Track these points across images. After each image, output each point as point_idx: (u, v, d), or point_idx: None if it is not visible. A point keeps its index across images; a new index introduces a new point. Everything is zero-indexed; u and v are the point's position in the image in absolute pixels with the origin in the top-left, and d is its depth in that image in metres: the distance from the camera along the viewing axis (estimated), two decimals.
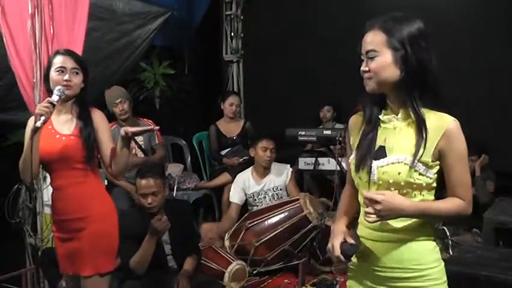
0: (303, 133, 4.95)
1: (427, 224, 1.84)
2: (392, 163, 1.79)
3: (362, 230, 1.91)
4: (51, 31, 3.52)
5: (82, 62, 2.84)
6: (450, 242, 4.37)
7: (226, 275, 3.88)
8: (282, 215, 4.30)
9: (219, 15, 6.83)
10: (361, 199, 1.89)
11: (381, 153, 1.83)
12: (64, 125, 2.79)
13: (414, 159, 1.75)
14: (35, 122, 2.55)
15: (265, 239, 4.24)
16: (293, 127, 5.04)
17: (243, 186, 4.86)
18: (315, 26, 6.20)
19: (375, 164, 1.82)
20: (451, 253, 4.25)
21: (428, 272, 1.81)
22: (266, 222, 4.30)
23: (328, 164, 5.06)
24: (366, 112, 1.89)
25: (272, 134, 4.92)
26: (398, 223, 1.80)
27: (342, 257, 1.84)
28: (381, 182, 1.80)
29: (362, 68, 1.81)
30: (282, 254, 4.27)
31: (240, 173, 4.95)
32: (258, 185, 4.84)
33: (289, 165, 4.94)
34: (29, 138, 2.61)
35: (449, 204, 1.80)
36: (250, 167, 4.94)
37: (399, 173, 1.77)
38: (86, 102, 2.86)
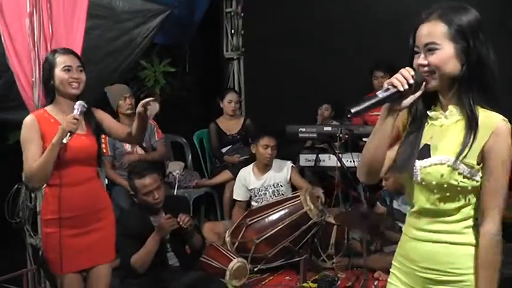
0: (304, 130, 4.95)
1: (472, 229, 1.71)
2: (435, 164, 1.69)
3: (406, 229, 1.84)
4: (50, 30, 3.48)
5: (81, 59, 2.95)
6: None
7: (227, 272, 3.88)
8: (282, 212, 4.30)
9: (220, 13, 6.81)
10: (409, 199, 1.83)
11: (426, 152, 1.73)
12: None
13: (457, 160, 1.64)
14: (62, 138, 2.65)
15: (266, 236, 4.24)
16: (293, 124, 5.04)
17: (244, 182, 4.86)
18: (314, 24, 6.18)
19: (418, 163, 1.72)
20: None
21: (467, 277, 1.70)
22: (266, 220, 4.31)
23: (329, 160, 5.07)
24: (412, 108, 1.78)
25: (273, 131, 4.92)
26: (439, 224, 1.73)
27: (411, 80, 1.65)
28: (424, 182, 1.72)
29: (420, 62, 1.68)
30: (282, 251, 4.27)
31: (242, 169, 4.96)
32: (259, 180, 4.84)
33: (289, 162, 4.93)
34: (53, 148, 2.69)
35: (485, 262, 1.68)
36: (252, 163, 4.94)
37: (442, 175, 1.67)
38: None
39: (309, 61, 6.22)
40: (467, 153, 1.64)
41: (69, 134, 2.66)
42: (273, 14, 6.52)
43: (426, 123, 1.77)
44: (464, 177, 1.66)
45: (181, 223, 3.45)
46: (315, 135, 4.99)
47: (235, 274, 3.91)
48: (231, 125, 5.72)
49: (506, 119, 1.66)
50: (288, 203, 4.34)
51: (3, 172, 3.91)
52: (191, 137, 5.85)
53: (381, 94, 1.66)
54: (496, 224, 1.67)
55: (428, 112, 1.77)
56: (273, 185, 4.81)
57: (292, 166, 4.87)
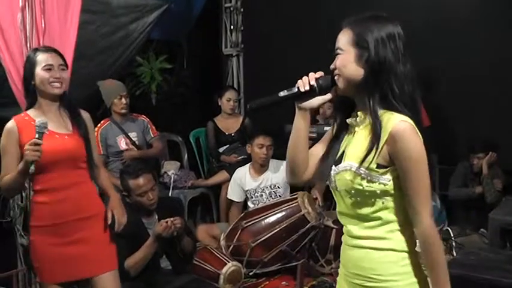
0: None
1: (394, 234, 1.74)
2: (342, 171, 1.76)
3: (343, 235, 1.89)
4: (43, 24, 3.44)
5: (64, 57, 2.85)
6: (454, 244, 4.28)
7: (221, 276, 3.80)
8: (279, 215, 4.20)
9: (219, 8, 6.73)
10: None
11: (340, 159, 1.81)
12: (58, 124, 2.75)
13: (360, 166, 1.70)
14: (27, 168, 2.53)
15: (262, 239, 4.14)
16: (292, 123, 4.94)
17: (239, 182, 4.78)
18: (315, 20, 6.10)
19: (333, 170, 1.81)
20: (454, 255, 4.16)
21: (388, 284, 1.74)
22: (263, 222, 4.20)
23: None
24: (337, 117, 1.90)
25: (270, 130, 4.82)
26: (362, 230, 1.77)
27: (315, 84, 1.79)
28: (338, 189, 1.80)
29: (331, 67, 1.79)
30: (279, 255, 4.17)
31: (237, 170, 4.88)
32: (255, 181, 4.75)
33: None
34: (18, 176, 2.59)
35: (426, 255, 1.70)
36: (248, 164, 4.86)
37: (348, 181, 1.74)
38: (71, 99, 2.86)
39: (310, 58, 6.13)
40: (370, 158, 1.69)
41: (33, 163, 2.53)
42: (273, 9, 6.43)
43: (347, 131, 1.85)
44: (368, 181, 1.70)
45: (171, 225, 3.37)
46: (314, 135, 4.84)
47: (230, 278, 3.83)
48: (229, 123, 5.63)
49: (406, 120, 1.66)
50: (285, 205, 4.24)
51: None
52: (188, 136, 5.78)
53: (282, 93, 1.80)
54: (427, 222, 1.68)
55: (347, 120, 1.84)
56: (270, 186, 4.73)
57: None
